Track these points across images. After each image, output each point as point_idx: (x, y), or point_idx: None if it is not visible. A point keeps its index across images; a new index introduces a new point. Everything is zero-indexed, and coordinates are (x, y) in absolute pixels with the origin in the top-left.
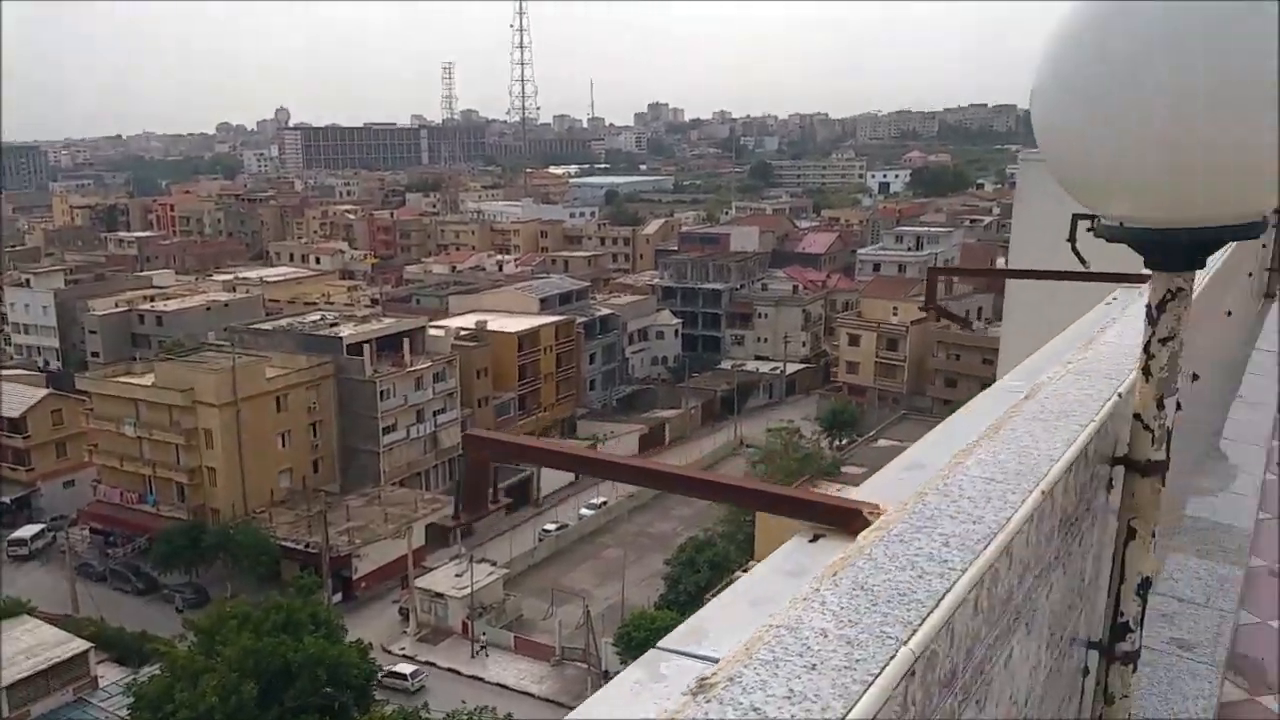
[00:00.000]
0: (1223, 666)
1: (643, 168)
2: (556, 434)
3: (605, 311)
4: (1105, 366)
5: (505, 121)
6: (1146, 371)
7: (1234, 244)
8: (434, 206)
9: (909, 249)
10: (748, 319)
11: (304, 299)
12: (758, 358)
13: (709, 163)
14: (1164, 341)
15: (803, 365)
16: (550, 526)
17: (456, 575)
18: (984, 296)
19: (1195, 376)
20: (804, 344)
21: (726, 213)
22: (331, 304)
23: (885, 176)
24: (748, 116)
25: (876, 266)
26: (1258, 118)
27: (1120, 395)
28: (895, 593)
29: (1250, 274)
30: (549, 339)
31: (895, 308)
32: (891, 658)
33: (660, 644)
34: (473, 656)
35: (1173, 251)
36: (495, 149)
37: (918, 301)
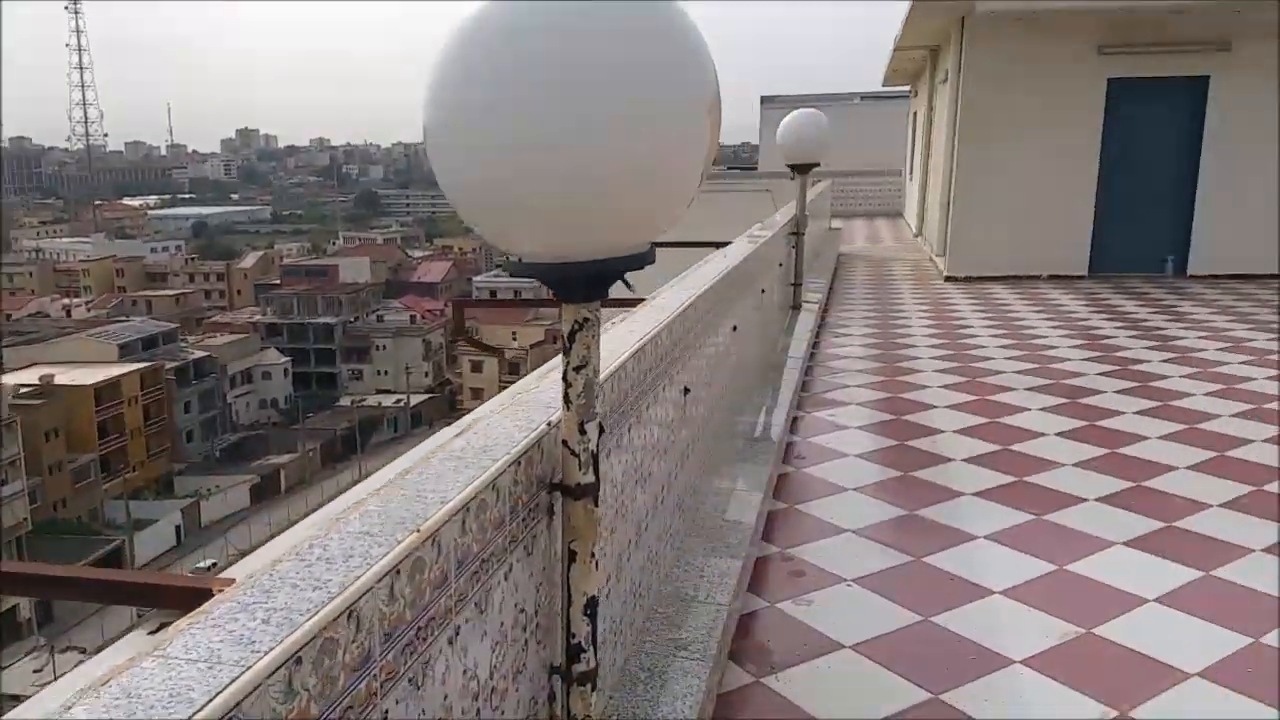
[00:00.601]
0: (715, 658)
1: (235, 197)
2: (151, 495)
3: (199, 354)
4: (549, 396)
5: (67, 149)
6: (567, 399)
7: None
8: None
9: None
10: (365, 352)
11: None
12: (380, 391)
13: (310, 191)
14: (578, 369)
15: (428, 395)
16: None
17: (35, 671)
18: None
19: (687, 390)
20: (427, 374)
21: (334, 243)
22: None
23: None
24: (349, 144)
25: (493, 293)
26: (621, 150)
27: (550, 424)
28: (168, 695)
29: (764, 290)
30: (133, 389)
31: (514, 332)
32: None
33: None
34: None
35: (571, 285)
36: (56, 180)
37: (537, 325)
